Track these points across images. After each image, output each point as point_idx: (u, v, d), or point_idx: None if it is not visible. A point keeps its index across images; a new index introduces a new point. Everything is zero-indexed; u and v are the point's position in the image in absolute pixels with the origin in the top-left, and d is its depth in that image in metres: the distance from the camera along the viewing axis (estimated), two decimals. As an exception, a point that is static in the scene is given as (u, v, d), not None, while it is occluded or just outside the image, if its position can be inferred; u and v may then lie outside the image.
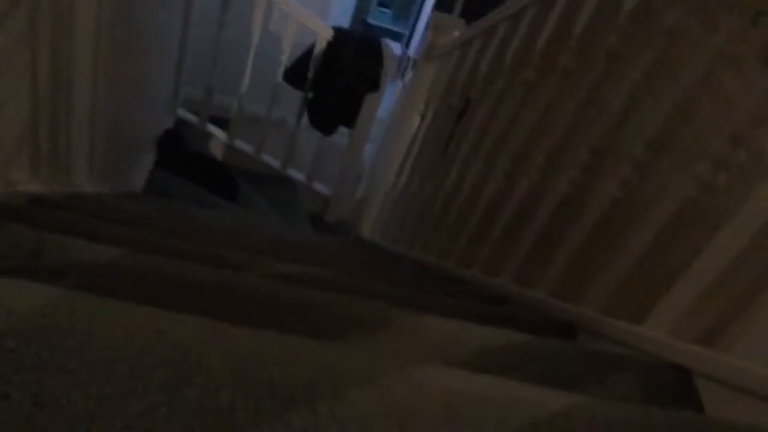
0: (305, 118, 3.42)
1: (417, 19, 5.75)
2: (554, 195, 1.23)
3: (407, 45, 5.75)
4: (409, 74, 4.79)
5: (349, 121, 3.42)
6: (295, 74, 3.28)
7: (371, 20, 6.24)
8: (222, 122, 3.51)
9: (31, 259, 0.67)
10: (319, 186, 3.64)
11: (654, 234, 0.95)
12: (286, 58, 3.20)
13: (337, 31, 3.17)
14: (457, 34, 2.32)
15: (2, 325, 0.46)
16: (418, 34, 5.37)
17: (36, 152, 1.45)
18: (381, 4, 6.26)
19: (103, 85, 1.78)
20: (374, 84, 3.25)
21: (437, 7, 4.57)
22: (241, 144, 3.52)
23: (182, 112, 3.44)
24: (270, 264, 0.97)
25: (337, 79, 3.22)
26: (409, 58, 5.23)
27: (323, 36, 3.15)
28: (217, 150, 3.55)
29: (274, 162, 3.55)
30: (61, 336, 0.46)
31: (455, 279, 1.55)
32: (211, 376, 0.45)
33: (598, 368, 0.73)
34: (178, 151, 3.34)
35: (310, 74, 3.24)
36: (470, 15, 2.32)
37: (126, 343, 0.46)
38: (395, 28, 6.29)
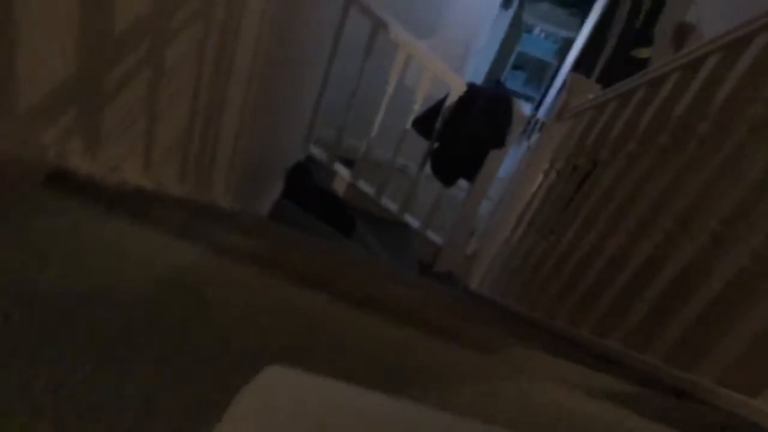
0: (427, 167, 3.49)
1: (551, 83, 5.76)
2: (679, 260, 1.20)
3: (537, 108, 5.76)
4: (535, 136, 4.78)
5: (471, 175, 3.44)
6: (424, 123, 3.37)
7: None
8: (348, 162, 3.67)
9: (179, 232, 0.75)
10: (432, 235, 3.68)
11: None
12: (417, 107, 3.30)
13: (471, 86, 3.23)
14: (591, 96, 2.32)
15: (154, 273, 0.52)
16: (549, 99, 5.37)
17: (185, 161, 1.59)
18: (515, 67, 6.35)
19: (250, 110, 1.93)
20: (500, 141, 3.27)
21: (574, 70, 4.56)
22: (363, 185, 3.65)
23: (313, 149, 3.63)
24: (389, 287, 1.01)
25: (465, 132, 3.27)
26: (537, 121, 5.23)
27: (456, 90, 3.23)
28: (339, 187, 3.69)
29: (392, 206, 3.64)
30: (205, 290, 0.52)
31: (561, 336, 1.52)
32: (333, 348, 0.49)
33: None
34: (305, 184, 3.51)
35: (438, 124, 3.32)
36: (606, 81, 2.32)
37: (262, 307, 0.51)
38: (527, 92, 6.34)
